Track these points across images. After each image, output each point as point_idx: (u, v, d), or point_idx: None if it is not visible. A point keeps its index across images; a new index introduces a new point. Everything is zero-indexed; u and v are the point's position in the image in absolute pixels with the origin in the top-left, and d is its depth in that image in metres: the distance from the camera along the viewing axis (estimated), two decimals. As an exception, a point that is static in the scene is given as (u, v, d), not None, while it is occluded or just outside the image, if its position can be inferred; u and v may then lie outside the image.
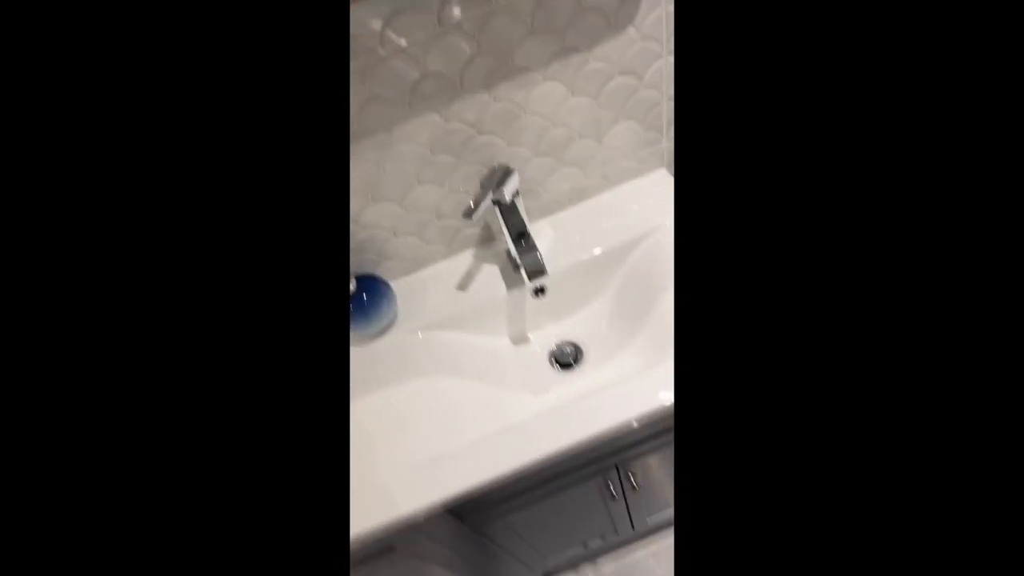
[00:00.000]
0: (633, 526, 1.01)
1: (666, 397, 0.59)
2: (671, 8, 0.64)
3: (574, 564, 1.14)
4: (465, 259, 0.81)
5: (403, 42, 0.58)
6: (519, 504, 0.73)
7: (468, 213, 0.65)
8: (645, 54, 0.67)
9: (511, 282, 0.77)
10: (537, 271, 0.68)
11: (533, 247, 0.68)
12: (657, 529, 1.12)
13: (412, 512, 0.59)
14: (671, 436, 0.73)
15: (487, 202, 0.66)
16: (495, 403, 0.74)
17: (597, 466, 0.72)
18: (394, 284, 0.79)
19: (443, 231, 0.78)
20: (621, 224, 0.77)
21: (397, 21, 0.56)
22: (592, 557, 1.15)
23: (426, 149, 0.67)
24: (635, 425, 0.59)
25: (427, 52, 0.59)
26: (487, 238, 0.81)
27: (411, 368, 0.77)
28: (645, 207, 0.78)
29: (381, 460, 0.72)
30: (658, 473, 0.84)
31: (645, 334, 0.74)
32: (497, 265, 0.80)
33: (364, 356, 0.76)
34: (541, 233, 0.79)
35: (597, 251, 0.76)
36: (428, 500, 0.59)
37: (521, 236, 0.68)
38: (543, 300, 0.79)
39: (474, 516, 0.71)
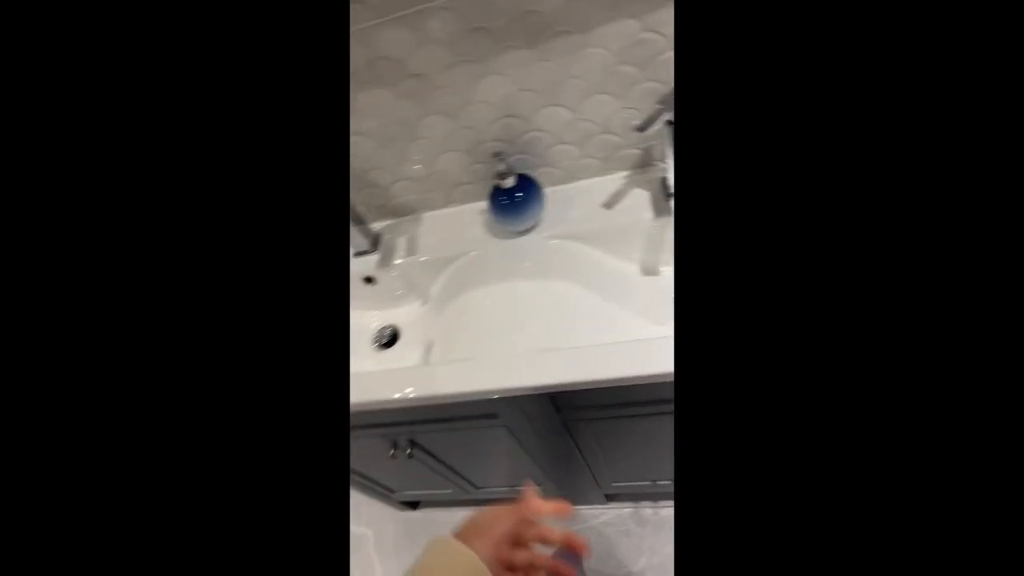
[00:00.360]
0: (707, 480, 1.02)
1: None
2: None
3: (636, 497, 1.20)
4: (617, 179, 0.82)
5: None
6: (610, 415, 0.78)
7: (641, 127, 0.65)
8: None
9: (659, 210, 0.77)
10: (692, 202, 0.68)
11: (694, 177, 0.67)
12: (729, 494, 1.12)
13: (520, 386, 0.67)
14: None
15: (662, 120, 0.66)
16: (611, 319, 0.78)
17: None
18: (546, 191, 0.83)
19: (604, 146, 0.79)
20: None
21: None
22: (655, 497, 1.19)
23: (614, 57, 0.68)
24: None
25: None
26: (645, 162, 0.81)
27: (543, 269, 0.83)
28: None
29: (501, 340, 0.81)
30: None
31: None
32: (648, 192, 0.80)
33: (503, 249, 0.84)
34: (703, 168, 0.77)
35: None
36: (536, 381, 0.66)
37: (685, 164, 0.67)
38: (685, 236, 0.78)
39: (570, 411, 0.78)
